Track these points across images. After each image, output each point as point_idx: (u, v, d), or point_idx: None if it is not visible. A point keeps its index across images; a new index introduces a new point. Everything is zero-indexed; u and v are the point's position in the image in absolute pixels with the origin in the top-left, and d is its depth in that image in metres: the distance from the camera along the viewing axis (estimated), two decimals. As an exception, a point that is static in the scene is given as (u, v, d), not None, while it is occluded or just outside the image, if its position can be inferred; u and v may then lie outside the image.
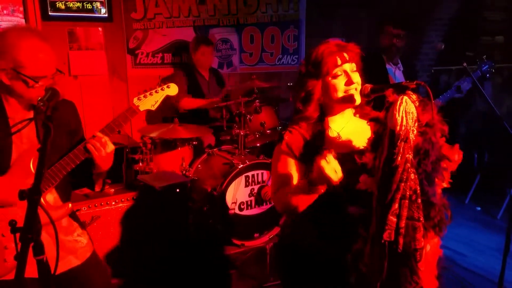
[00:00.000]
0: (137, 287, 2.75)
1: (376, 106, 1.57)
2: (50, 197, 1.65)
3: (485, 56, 3.16)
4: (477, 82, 2.94)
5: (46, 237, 1.15)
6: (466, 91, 3.16)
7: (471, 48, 5.00)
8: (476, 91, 3.21)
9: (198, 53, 4.00)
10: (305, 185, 1.34)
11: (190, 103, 3.88)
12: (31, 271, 1.13)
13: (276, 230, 3.40)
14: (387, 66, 3.29)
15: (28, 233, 0.96)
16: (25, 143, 1.61)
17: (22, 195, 0.98)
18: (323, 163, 1.22)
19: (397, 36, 3.20)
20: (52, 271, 1.13)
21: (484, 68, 3.15)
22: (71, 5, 3.88)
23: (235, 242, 3.24)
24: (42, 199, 1.05)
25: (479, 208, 4.41)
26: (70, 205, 1.64)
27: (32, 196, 0.98)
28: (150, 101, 1.69)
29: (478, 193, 4.53)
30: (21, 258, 0.93)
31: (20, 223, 1.02)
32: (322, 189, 1.32)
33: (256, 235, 3.35)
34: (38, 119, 1.22)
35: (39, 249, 0.99)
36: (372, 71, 1.60)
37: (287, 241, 1.71)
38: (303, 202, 1.38)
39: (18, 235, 0.98)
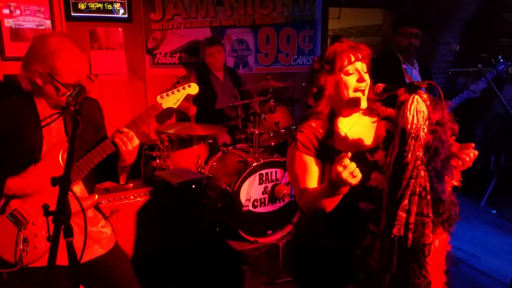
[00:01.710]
0: (151, 280, 2.82)
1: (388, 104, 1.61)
2: (77, 188, 1.74)
3: (501, 56, 3.15)
4: (492, 83, 2.95)
5: (73, 227, 1.23)
6: (480, 91, 3.16)
7: (489, 50, 4.96)
8: (492, 92, 3.22)
9: (206, 55, 4.08)
10: (327, 188, 1.36)
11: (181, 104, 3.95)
12: (60, 259, 1.21)
13: (289, 227, 3.45)
14: (404, 65, 3.31)
15: (60, 215, 1.04)
16: (54, 137, 1.69)
17: (54, 181, 1.07)
18: (339, 168, 1.25)
19: (414, 35, 3.20)
20: (78, 258, 1.21)
21: (500, 68, 3.15)
22: (92, 5, 4.00)
23: (248, 239, 3.30)
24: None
25: (494, 211, 4.37)
26: (96, 196, 1.73)
27: (62, 182, 1.06)
28: (172, 99, 1.77)
29: (494, 196, 4.49)
30: (54, 239, 1.01)
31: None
32: (345, 190, 1.33)
33: (269, 232, 3.40)
34: (66, 113, 1.30)
35: (69, 232, 1.07)
36: (388, 71, 1.63)
37: (301, 239, 1.75)
38: (329, 203, 1.40)
39: (50, 218, 1.06)
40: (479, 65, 3.01)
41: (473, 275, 3.08)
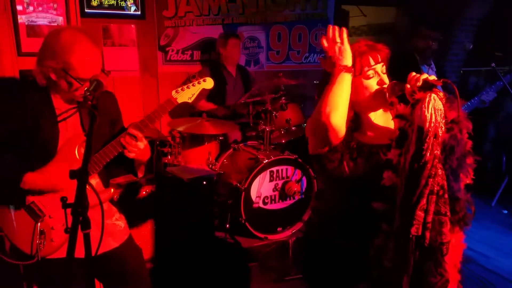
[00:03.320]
0: (162, 274, 2.85)
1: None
2: (93, 182, 1.76)
3: None
4: (508, 86, 2.92)
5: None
6: (489, 102, 3.13)
7: (503, 49, 4.91)
8: (505, 92, 3.18)
9: (228, 46, 4.05)
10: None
11: (206, 105, 3.96)
12: (76, 251, 1.22)
13: (299, 225, 3.46)
14: (420, 65, 3.28)
15: (79, 207, 1.06)
16: (70, 131, 1.70)
17: (72, 174, 1.09)
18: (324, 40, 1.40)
19: (433, 38, 3.17)
20: (94, 250, 1.23)
21: None
22: (105, 2, 4.03)
23: (258, 235, 3.32)
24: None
25: (506, 211, 4.34)
26: (112, 190, 1.75)
27: (81, 175, 1.08)
28: (187, 94, 1.77)
29: (505, 196, 4.46)
30: (72, 231, 1.03)
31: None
32: (337, 70, 1.39)
33: (279, 229, 3.42)
34: (84, 107, 1.33)
35: (86, 223, 1.09)
36: (405, 71, 1.60)
37: (311, 237, 1.74)
38: (329, 97, 1.38)
39: (68, 211, 1.08)
40: (492, 64, 2.98)
41: (483, 274, 3.07)
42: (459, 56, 5.31)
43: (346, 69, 1.41)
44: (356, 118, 1.56)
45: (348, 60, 1.42)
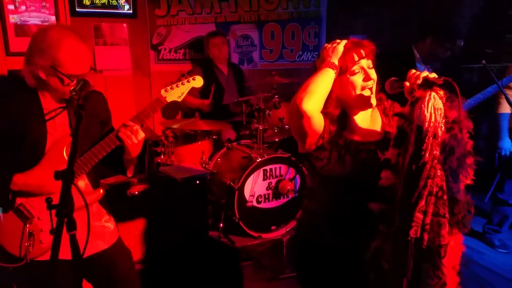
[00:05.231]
0: (156, 275, 2.84)
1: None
2: (82, 183, 1.74)
3: None
4: (502, 89, 2.92)
5: (77, 222, 1.23)
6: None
7: (494, 46, 4.92)
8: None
9: (209, 47, 4.09)
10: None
11: (192, 101, 3.93)
12: (63, 253, 1.21)
13: (293, 223, 3.46)
14: (417, 63, 3.27)
15: (63, 208, 1.05)
16: (58, 131, 1.68)
17: (57, 175, 1.08)
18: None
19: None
20: (81, 252, 1.21)
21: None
22: (97, 1, 4.00)
23: (252, 234, 3.31)
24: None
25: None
26: (101, 191, 1.73)
27: (66, 176, 1.06)
28: (177, 93, 1.76)
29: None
30: (57, 233, 1.02)
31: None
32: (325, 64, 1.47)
33: (273, 227, 3.41)
34: (70, 107, 1.30)
35: (72, 225, 1.08)
36: (401, 65, 1.58)
37: (303, 236, 1.71)
38: (314, 81, 1.43)
39: (53, 212, 1.07)
40: (483, 61, 2.98)
41: (477, 271, 3.08)
42: (452, 54, 5.31)
43: (332, 65, 1.46)
44: (344, 116, 1.55)
45: (336, 59, 1.48)
